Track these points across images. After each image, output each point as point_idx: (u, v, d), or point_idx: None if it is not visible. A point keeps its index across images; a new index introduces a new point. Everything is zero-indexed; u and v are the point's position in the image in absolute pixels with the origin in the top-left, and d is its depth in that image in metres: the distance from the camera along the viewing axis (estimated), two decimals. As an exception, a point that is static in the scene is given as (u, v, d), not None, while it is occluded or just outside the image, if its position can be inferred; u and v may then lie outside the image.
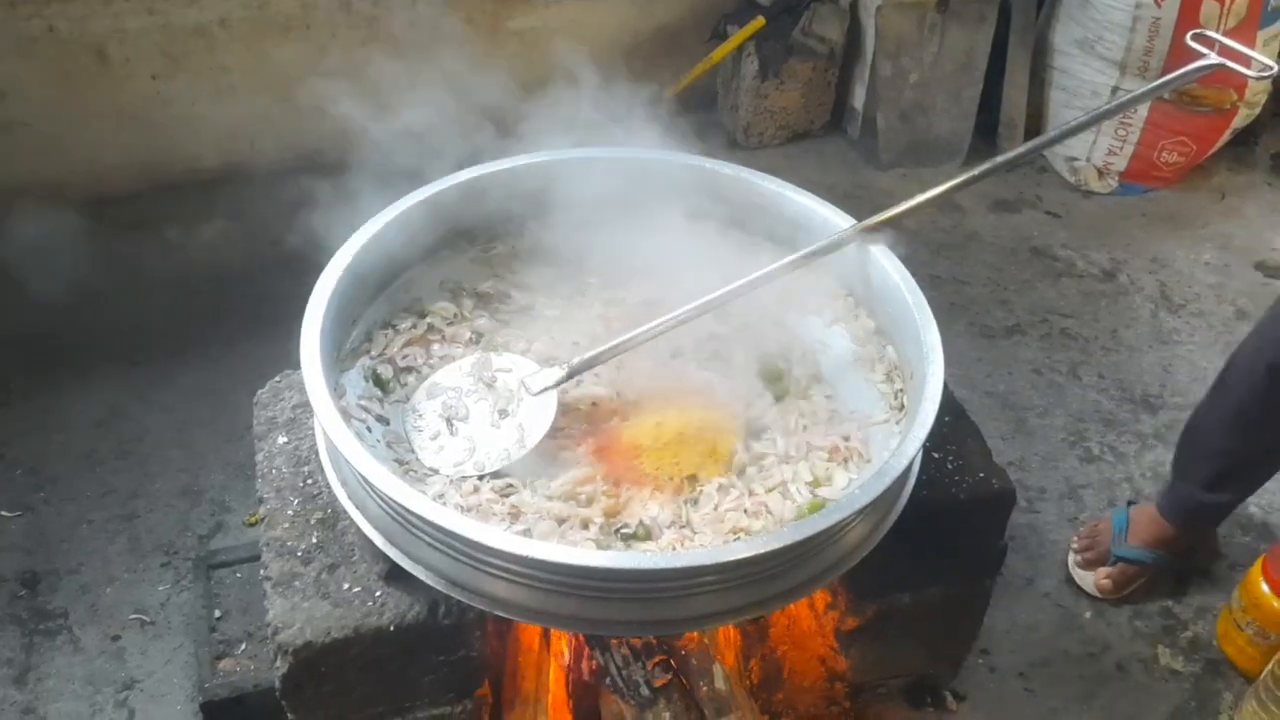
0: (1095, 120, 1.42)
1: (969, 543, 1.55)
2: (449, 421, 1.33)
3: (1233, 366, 1.83)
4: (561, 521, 1.23)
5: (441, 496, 1.25)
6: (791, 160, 3.20)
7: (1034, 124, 3.24)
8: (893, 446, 1.25)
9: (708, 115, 3.34)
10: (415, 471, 1.29)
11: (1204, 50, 1.29)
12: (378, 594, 1.28)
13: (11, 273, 2.54)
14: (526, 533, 1.20)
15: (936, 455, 1.48)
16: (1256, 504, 2.04)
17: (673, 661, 1.49)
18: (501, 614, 1.18)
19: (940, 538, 1.47)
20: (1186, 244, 2.99)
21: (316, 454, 1.39)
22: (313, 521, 1.36)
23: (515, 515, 1.23)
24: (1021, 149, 1.41)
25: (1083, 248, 2.95)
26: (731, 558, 1.10)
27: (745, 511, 1.25)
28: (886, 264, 1.41)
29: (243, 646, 1.84)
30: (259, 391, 1.54)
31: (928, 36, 3.07)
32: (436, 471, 1.28)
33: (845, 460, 1.33)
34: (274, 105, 2.80)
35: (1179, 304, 2.78)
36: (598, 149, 1.53)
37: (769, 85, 3.13)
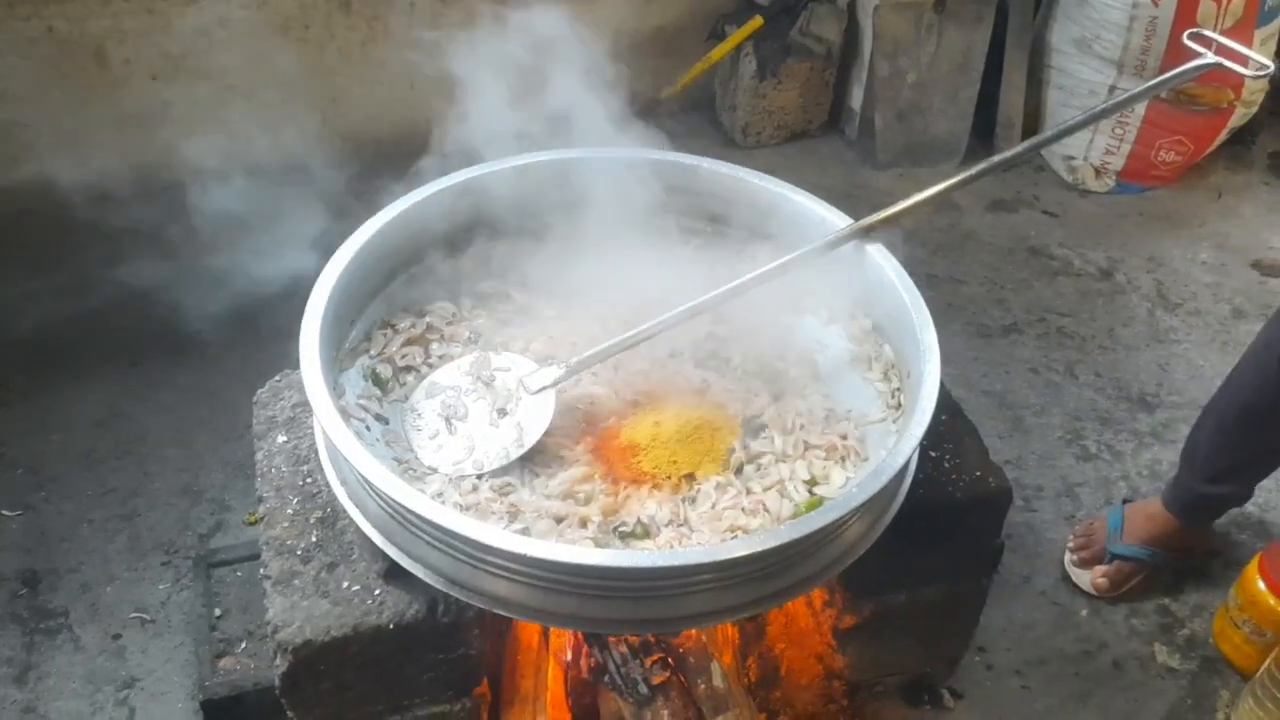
0: (1092, 119, 1.42)
1: (966, 541, 1.55)
2: (448, 420, 1.34)
3: (1244, 361, 1.84)
4: (560, 520, 1.23)
5: (440, 495, 1.25)
6: (789, 160, 3.21)
7: (1031, 124, 3.25)
8: (890, 445, 1.26)
9: (706, 115, 3.34)
10: (414, 470, 1.29)
11: (1201, 49, 1.29)
12: (377, 592, 1.29)
13: (11, 272, 2.55)
14: (525, 531, 1.21)
15: (933, 454, 1.49)
16: (1253, 502, 2.05)
17: (670, 659, 1.49)
18: (500, 612, 1.19)
19: (937, 536, 1.48)
20: (1183, 243, 3.00)
21: (316, 453, 1.40)
22: (312, 520, 1.36)
23: (514, 514, 1.24)
24: (1018, 148, 1.41)
25: (1080, 247, 2.96)
26: (729, 556, 1.10)
27: (743, 510, 1.26)
28: (884, 263, 1.41)
29: (243, 645, 1.85)
30: (258, 391, 1.55)
31: (925, 36, 3.07)
32: (435, 470, 1.29)
33: (842, 459, 1.33)
34: (273, 104, 2.81)
35: (1176, 303, 2.78)
36: (596, 149, 1.53)
37: (767, 85, 3.14)
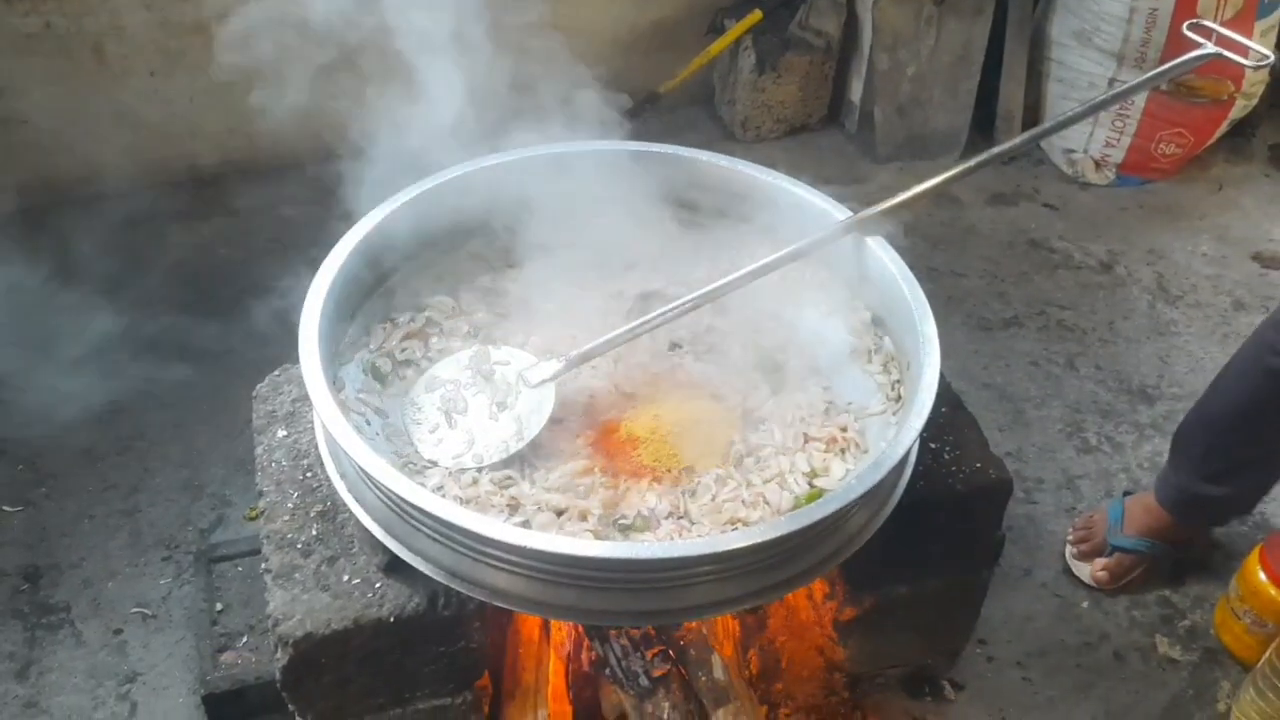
0: (1091, 111, 1.42)
1: (966, 533, 1.55)
2: (448, 414, 1.34)
3: (1232, 367, 1.84)
4: (560, 513, 1.23)
5: (441, 488, 1.25)
6: (789, 154, 3.20)
7: (1031, 116, 3.24)
8: (889, 437, 1.26)
9: (705, 109, 3.34)
10: (414, 464, 1.29)
11: (1201, 40, 1.29)
12: (377, 585, 1.29)
13: (9, 269, 2.55)
14: (525, 524, 1.21)
15: (934, 446, 1.49)
16: (1254, 495, 2.05)
17: (671, 652, 1.49)
18: (501, 605, 1.19)
19: (938, 528, 1.48)
20: (1184, 235, 3.00)
21: (316, 447, 1.40)
22: (312, 514, 1.37)
23: (514, 507, 1.24)
24: (1017, 140, 1.41)
25: (1080, 240, 2.96)
26: (729, 548, 1.10)
27: (743, 502, 1.26)
28: (883, 256, 1.41)
29: (244, 639, 1.85)
30: (258, 386, 1.55)
31: (924, 29, 3.07)
32: (435, 464, 1.29)
33: (842, 451, 1.33)
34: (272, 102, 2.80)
35: (1176, 295, 2.78)
36: (595, 143, 1.53)
37: (766, 79, 3.13)
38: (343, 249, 1.36)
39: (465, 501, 1.23)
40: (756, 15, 3.05)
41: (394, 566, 1.28)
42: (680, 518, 1.24)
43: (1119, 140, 3.08)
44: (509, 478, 1.27)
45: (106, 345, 2.41)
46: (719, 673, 1.48)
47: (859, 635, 1.65)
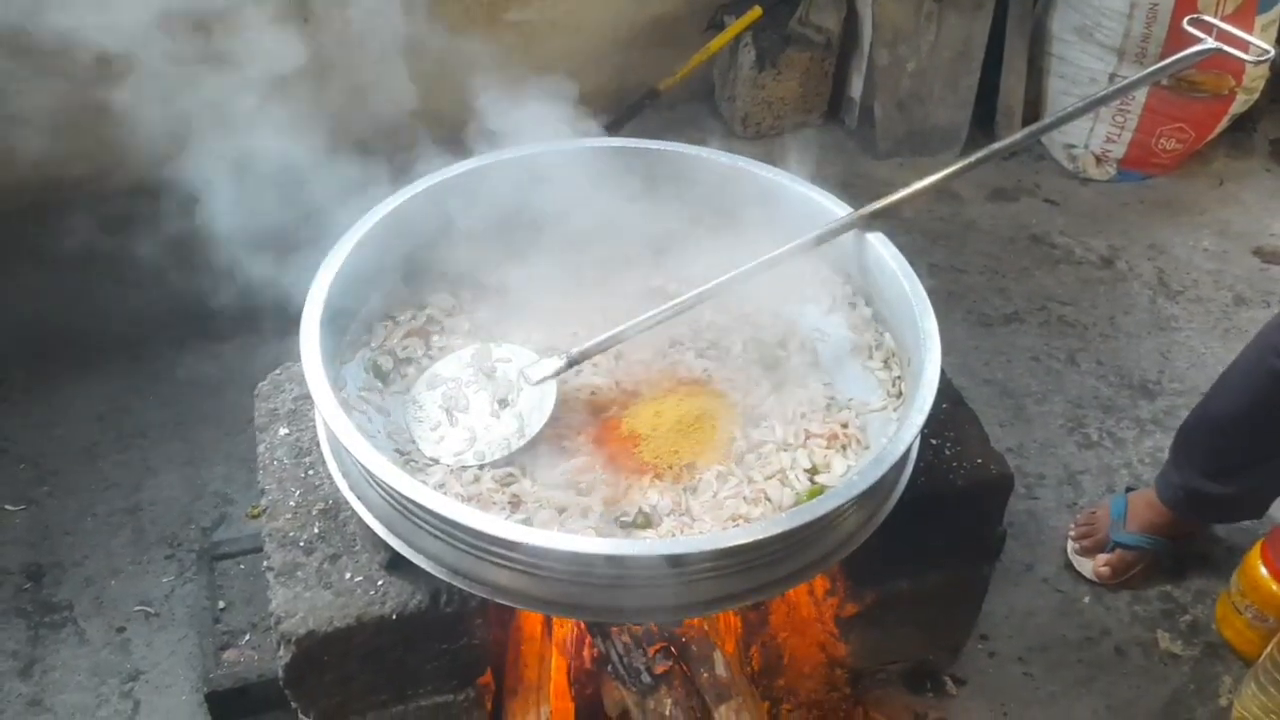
0: (1092, 106, 1.42)
1: (968, 528, 1.56)
2: (449, 412, 1.34)
3: (1235, 369, 1.84)
4: (562, 510, 1.23)
5: (442, 486, 1.25)
6: (789, 150, 3.18)
7: (1032, 112, 3.24)
8: (891, 433, 1.26)
9: (705, 106, 3.33)
10: (416, 462, 1.30)
11: (1201, 35, 1.29)
12: (379, 583, 1.29)
13: (12, 267, 2.55)
14: (527, 521, 1.21)
15: (935, 442, 1.49)
16: (1254, 489, 2.05)
17: (673, 649, 1.49)
18: (503, 602, 1.19)
19: (939, 524, 1.48)
20: (1185, 230, 2.99)
21: (318, 445, 1.40)
22: (314, 512, 1.37)
23: (516, 504, 1.24)
24: (1018, 135, 1.41)
25: (1081, 235, 2.96)
26: (730, 544, 1.10)
27: (744, 499, 1.26)
28: (884, 252, 1.41)
29: (246, 637, 1.85)
30: (260, 384, 1.55)
31: (925, 25, 3.06)
32: (437, 461, 1.29)
33: (843, 447, 1.33)
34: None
35: (1177, 290, 2.78)
36: (595, 139, 1.53)
37: (766, 75, 3.13)
38: (343, 247, 1.36)
39: (467, 499, 1.24)
40: (756, 11, 3.04)
41: (396, 564, 1.28)
42: (682, 514, 1.25)
43: (1120, 135, 3.07)
44: (510, 475, 1.28)
45: (107, 341, 2.42)
46: (721, 669, 1.48)
47: (860, 631, 1.65)
